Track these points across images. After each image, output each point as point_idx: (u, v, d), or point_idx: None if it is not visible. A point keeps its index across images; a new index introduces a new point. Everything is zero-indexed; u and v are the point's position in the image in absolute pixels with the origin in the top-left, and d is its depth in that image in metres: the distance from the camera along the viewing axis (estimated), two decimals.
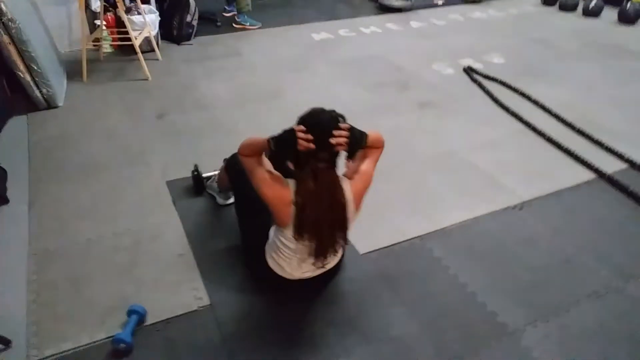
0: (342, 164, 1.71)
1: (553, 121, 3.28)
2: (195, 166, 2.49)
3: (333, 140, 1.56)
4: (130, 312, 1.77)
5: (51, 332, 1.76)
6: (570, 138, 3.06)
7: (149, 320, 1.81)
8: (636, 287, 2.03)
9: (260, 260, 1.86)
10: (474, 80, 3.85)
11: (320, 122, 1.60)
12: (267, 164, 1.72)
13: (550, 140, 3.02)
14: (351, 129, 1.60)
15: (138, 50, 3.62)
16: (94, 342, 1.73)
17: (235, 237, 2.17)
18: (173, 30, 4.40)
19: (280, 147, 1.60)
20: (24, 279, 1.96)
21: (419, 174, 2.73)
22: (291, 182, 1.66)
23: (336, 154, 1.64)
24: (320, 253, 1.68)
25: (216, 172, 2.48)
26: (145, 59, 3.67)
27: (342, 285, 2.00)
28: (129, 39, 3.65)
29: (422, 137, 3.08)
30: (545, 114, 3.36)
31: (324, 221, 1.62)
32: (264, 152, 1.71)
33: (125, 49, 4.05)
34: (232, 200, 2.41)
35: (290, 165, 1.67)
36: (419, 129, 3.18)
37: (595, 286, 2.03)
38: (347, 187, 1.68)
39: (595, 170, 2.74)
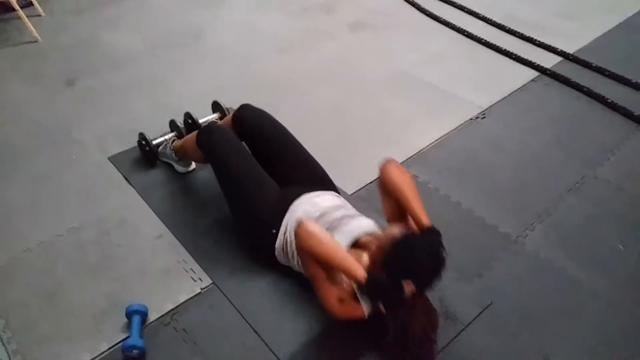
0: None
1: (483, 24, 3.30)
2: (141, 135, 2.18)
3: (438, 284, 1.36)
4: (130, 314, 1.57)
5: (42, 358, 1.51)
6: (504, 39, 3.11)
7: (152, 316, 1.62)
8: (604, 171, 2.18)
9: (266, 249, 1.69)
10: None
11: (431, 271, 1.35)
12: (339, 281, 1.44)
13: (488, 44, 3.05)
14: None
15: (16, 6, 3.02)
16: (99, 355, 1.51)
17: (212, 206, 1.99)
18: None
19: (378, 295, 1.36)
20: None
21: (377, 100, 2.65)
22: (366, 304, 1.42)
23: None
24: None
25: (166, 137, 2.21)
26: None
27: None
28: None
29: (366, 61, 2.96)
30: (474, 18, 3.37)
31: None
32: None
33: None
34: (193, 166, 2.17)
35: (382, 308, 1.40)
36: (360, 52, 3.05)
37: (571, 178, 2.14)
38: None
39: (537, 67, 2.83)
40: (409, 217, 1.54)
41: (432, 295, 1.66)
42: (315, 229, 1.41)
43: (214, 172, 1.82)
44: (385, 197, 1.61)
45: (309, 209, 1.63)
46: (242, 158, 1.76)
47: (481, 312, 1.63)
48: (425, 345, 1.45)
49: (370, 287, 1.34)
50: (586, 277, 1.75)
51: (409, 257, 1.33)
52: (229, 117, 1.98)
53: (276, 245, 1.66)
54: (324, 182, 1.80)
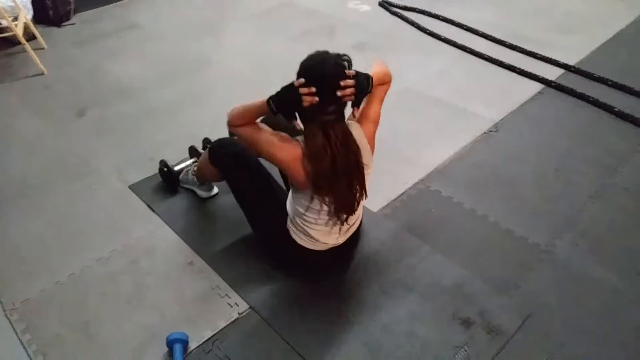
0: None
1: (483, 41, 3.38)
2: (163, 162, 2.17)
3: (339, 93, 1.43)
4: (171, 342, 1.53)
5: None
6: (506, 54, 3.18)
7: (193, 345, 1.59)
8: (622, 178, 2.22)
9: (286, 241, 1.71)
10: (394, 13, 3.81)
11: (325, 73, 1.45)
12: (267, 127, 1.58)
13: (491, 60, 3.12)
14: (357, 76, 1.48)
15: (23, 40, 3.02)
16: None
17: (238, 228, 1.98)
18: (48, 10, 3.72)
19: (283, 107, 1.48)
20: (15, 342, 1.60)
21: (389, 119, 2.65)
22: (300, 139, 1.53)
23: (344, 104, 1.51)
24: (341, 208, 1.57)
25: (187, 163, 2.21)
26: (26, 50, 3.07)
27: (371, 247, 1.91)
28: (3, 30, 3.03)
29: None
30: (474, 36, 3.45)
31: (341, 173, 1.50)
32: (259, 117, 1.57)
33: None
34: (215, 191, 2.17)
35: (298, 125, 1.51)
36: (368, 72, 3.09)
37: (591, 187, 2.18)
38: (358, 132, 1.58)
39: (541, 80, 2.89)
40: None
41: (472, 310, 1.68)
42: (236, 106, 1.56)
43: (229, 187, 1.84)
44: None
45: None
46: (257, 170, 1.78)
47: (523, 323, 1.64)
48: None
49: (272, 99, 1.48)
50: (621, 283, 1.77)
51: (311, 58, 1.48)
52: None
53: (287, 225, 1.71)
54: None
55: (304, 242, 1.70)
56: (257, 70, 3.13)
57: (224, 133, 2.34)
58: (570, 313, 1.68)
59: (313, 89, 1.42)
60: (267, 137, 1.54)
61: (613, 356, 1.56)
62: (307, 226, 1.64)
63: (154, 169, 2.23)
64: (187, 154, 2.27)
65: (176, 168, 2.18)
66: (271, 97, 1.48)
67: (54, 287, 1.77)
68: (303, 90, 1.42)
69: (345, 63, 1.47)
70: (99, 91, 2.94)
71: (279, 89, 1.48)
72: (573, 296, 1.74)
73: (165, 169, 2.16)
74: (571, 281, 1.78)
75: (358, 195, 1.58)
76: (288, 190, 1.76)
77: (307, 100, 1.42)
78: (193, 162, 2.20)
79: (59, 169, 2.33)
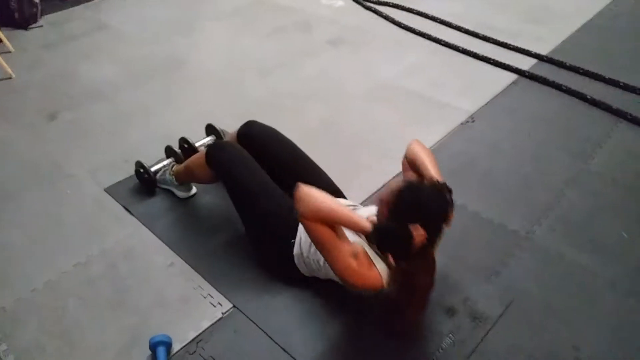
0: None
1: (457, 33, 3.41)
2: (139, 163, 2.13)
3: (447, 227, 1.37)
4: (154, 345, 1.51)
5: None
6: (480, 46, 3.22)
7: (177, 346, 1.56)
8: (596, 164, 2.27)
9: (285, 261, 1.67)
10: (368, 8, 3.81)
11: (439, 215, 1.36)
12: (345, 237, 1.42)
13: (465, 51, 3.14)
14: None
15: None
16: None
17: (218, 228, 1.97)
18: (13, 13, 3.61)
19: (387, 243, 1.38)
20: None
21: (366, 113, 2.68)
22: (382, 266, 1.43)
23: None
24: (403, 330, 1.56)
25: (164, 163, 2.17)
26: None
27: None
28: None
29: (349, 76, 3.00)
30: (448, 28, 3.47)
31: (420, 306, 1.51)
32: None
33: None
34: (194, 191, 2.14)
35: (391, 260, 1.40)
36: (342, 67, 3.10)
37: (567, 174, 2.22)
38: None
39: (515, 70, 2.93)
40: None
41: (455, 298, 1.69)
42: (313, 189, 1.39)
43: (226, 190, 1.80)
44: (406, 172, 1.65)
45: None
46: (255, 173, 1.75)
47: (505, 310, 1.66)
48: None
49: (378, 234, 1.35)
50: (600, 266, 1.80)
51: (414, 197, 1.34)
52: (232, 134, 1.96)
53: (294, 253, 1.64)
54: (335, 192, 1.81)
55: (307, 273, 1.67)
56: (231, 69, 3.10)
57: (200, 133, 2.34)
58: (551, 297, 1.71)
59: (425, 234, 1.31)
60: (344, 256, 1.36)
61: (593, 337, 1.58)
62: (321, 273, 1.61)
63: (130, 171, 2.19)
64: (163, 155, 2.23)
65: (153, 169, 2.14)
66: (376, 227, 1.35)
67: (30, 295, 1.72)
68: (419, 235, 1.30)
69: (449, 195, 1.38)
70: (70, 94, 2.87)
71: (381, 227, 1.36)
72: (553, 281, 1.76)
73: (142, 170, 2.12)
74: (550, 266, 1.81)
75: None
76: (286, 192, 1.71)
77: (419, 242, 1.32)
78: (170, 162, 2.16)
79: (31, 174, 2.26)
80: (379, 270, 1.41)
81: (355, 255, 1.38)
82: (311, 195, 1.38)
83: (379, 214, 1.43)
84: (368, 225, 1.34)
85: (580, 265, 1.81)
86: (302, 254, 1.62)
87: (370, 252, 1.44)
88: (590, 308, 1.67)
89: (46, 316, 1.66)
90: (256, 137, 1.87)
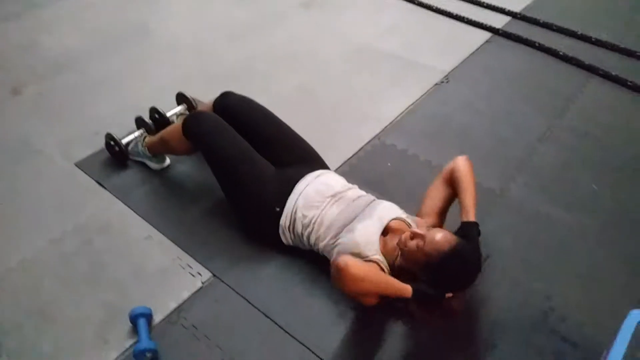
0: None
1: None
2: (109, 135, 2.08)
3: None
4: (135, 317, 1.50)
5: None
6: (454, 5, 3.17)
7: (158, 317, 1.56)
8: (568, 119, 2.29)
9: (270, 231, 1.68)
10: None
11: (470, 279, 1.52)
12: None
13: (439, 11, 3.11)
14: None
15: None
16: None
17: (194, 199, 1.95)
18: None
19: (422, 300, 1.52)
20: None
21: (341, 77, 2.65)
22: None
23: None
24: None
25: (135, 135, 2.12)
26: None
27: None
28: None
29: (322, 39, 2.95)
30: None
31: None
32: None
33: None
34: (167, 162, 2.10)
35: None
36: (315, 31, 3.03)
37: (540, 129, 2.24)
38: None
39: (489, 29, 2.91)
40: (442, 216, 1.66)
41: None
42: (360, 269, 1.38)
43: (206, 160, 1.77)
44: (443, 186, 1.67)
45: (322, 188, 1.64)
46: (234, 140, 1.72)
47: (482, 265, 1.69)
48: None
49: (417, 299, 1.48)
50: (571, 219, 1.84)
51: (459, 273, 1.47)
52: (208, 104, 1.92)
53: (280, 223, 1.64)
54: (318, 161, 1.80)
55: (289, 243, 1.69)
56: (200, 35, 3.00)
57: (171, 102, 2.28)
58: (526, 252, 1.75)
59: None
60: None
61: (565, 288, 1.63)
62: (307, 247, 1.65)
63: (101, 143, 2.13)
64: (133, 126, 2.18)
65: (124, 141, 2.09)
66: (415, 293, 1.46)
67: (4, 274, 1.68)
68: (450, 297, 1.51)
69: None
70: (35, 66, 2.75)
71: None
72: (528, 236, 1.80)
73: (112, 143, 2.07)
74: (525, 222, 1.85)
75: None
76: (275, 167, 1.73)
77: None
78: (142, 134, 2.11)
79: None
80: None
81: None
82: (356, 279, 1.37)
83: (410, 257, 1.48)
84: (409, 294, 1.45)
85: (554, 219, 1.85)
86: (291, 226, 1.63)
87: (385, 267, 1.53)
88: (563, 260, 1.72)
89: (22, 295, 1.63)
90: (232, 108, 1.84)
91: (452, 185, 1.64)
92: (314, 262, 1.67)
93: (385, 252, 1.52)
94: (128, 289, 1.65)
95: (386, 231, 1.57)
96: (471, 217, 1.55)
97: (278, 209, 1.63)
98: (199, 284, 1.65)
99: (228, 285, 1.65)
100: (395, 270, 1.53)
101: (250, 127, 1.80)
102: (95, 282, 1.67)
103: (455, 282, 1.49)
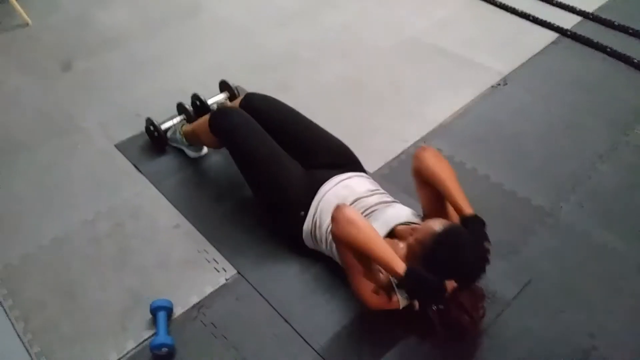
0: None
1: None
2: (149, 120, 2.07)
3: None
4: (155, 310, 1.49)
5: (69, 359, 1.44)
6: (518, 0, 2.96)
7: (178, 311, 1.54)
8: (636, 137, 2.08)
9: (293, 233, 1.62)
10: None
11: (477, 272, 1.29)
12: (376, 272, 1.38)
13: (501, 6, 2.90)
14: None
15: None
16: (127, 354, 1.45)
17: (228, 191, 1.92)
18: None
19: (417, 293, 1.31)
20: None
21: (390, 70, 2.53)
22: (403, 296, 1.37)
23: None
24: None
25: (175, 121, 2.10)
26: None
27: None
28: None
29: (373, 30, 2.82)
30: None
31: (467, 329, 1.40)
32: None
33: None
34: (205, 151, 2.07)
35: (416, 305, 1.37)
36: (366, 20, 2.91)
37: (602, 145, 2.05)
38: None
39: (556, 29, 2.69)
40: (449, 207, 1.44)
41: None
42: (354, 215, 1.32)
43: (231, 157, 1.72)
44: (421, 186, 1.51)
45: (343, 192, 1.54)
46: (261, 139, 1.65)
47: (521, 290, 1.56)
48: (470, 327, 1.38)
49: (410, 284, 1.28)
50: (627, 248, 1.68)
51: (453, 255, 1.26)
52: (236, 103, 1.86)
53: (304, 228, 1.58)
54: (350, 163, 1.71)
55: (311, 247, 1.62)
56: (247, 17, 2.95)
57: (214, 88, 2.24)
58: (571, 280, 1.60)
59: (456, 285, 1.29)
60: (365, 290, 1.35)
61: (613, 326, 1.49)
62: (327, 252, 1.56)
63: (141, 126, 2.12)
64: (174, 110, 2.16)
65: (163, 127, 2.08)
66: (409, 275, 1.25)
67: (37, 251, 1.72)
68: (451, 288, 1.28)
69: (488, 244, 1.32)
70: (85, 41, 2.79)
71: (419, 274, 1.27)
72: (575, 262, 1.65)
73: (152, 128, 2.06)
74: (574, 246, 1.70)
75: None
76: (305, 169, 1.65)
77: (449, 293, 1.29)
78: (181, 120, 2.09)
79: (42, 125, 2.24)
80: (399, 299, 1.36)
81: (377, 292, 1.34)
82: (349, 222, 1.30)
83: (410, 252, 1.34)
84: (401, 271, 1.25)
85: (607, 246, 1.69)
86: (313, 231, 1.56)
87: (394, 282, 1.36)
88: (613, 294, 1.57)
89: (51, 273, 1.66)
90: (258, 109, 1.76)
91: (429, 184, 1.46)
92: (338, 269, 1.60)
93: None
94: (153, 277, 1.64)
95: (393, 236, 1.45)
96: (465, 210, 1.36)
97: (302, 213, 1.57)
98: (223, 280, 1.62)
99: (251, 284, 1.61)
100: None
101: (277, 127, 1.72)
102: (122, 266, 1.67)
103: (450, 266, 1.26)
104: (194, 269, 1.66)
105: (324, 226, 1.51)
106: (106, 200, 1.89)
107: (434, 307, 1.31)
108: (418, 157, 1.48)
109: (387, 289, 1.37)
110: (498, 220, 1.77)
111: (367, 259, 1.34)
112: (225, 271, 1.65)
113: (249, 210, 1.81)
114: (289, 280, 1.62)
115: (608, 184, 1.89)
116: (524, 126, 2.16)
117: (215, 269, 1.66)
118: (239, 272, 1.64)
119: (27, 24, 2.94)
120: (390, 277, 1.35)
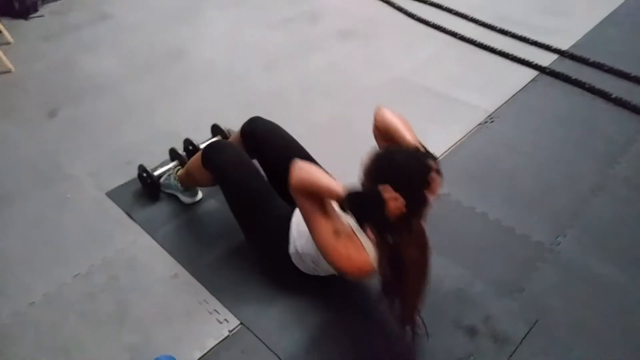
0: None
1: (473, 26, 3.26)
2: (141, 167, 2.03)
3: (432, 197, 1.21)
4: None
5: None
6: (497, 40, 3.07)
7: None
8: (624, 169, 2.14)
9: (285, 261, 1.59)
10: None
11: (413, 176, 1.21)
12: (335, 216, 1.36)
13: (482, 46, 3.00)
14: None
15: None
16: None
17: (225, 237, 1.87)
18: (13, 2, 3.49)
19: (360, 210, 1.29)
20: None
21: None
22: (369, 245, 1.35)
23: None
24: (409, 317, 1.40)
25: (168, 167, 2.07)
26: None
27: None
28: None
29: (360, 70, 2.88)
30: (463, 20, 3.32)
31: (416, 286, 1.36)
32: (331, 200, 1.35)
33: None
34: (200, 196, 2.04)
35: (370, 234, 1.35)
36: (352, 61, 2.97)
37: (592, 178, 2.10)
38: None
39: (535, 67, 2.79)
40: None
41: (476, 316, 1.59)
42: (304, 163, 1.37)
43: (222, 193, 1.70)
44: (380, 142, 1.52)
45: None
46: (251, 176, 1.66)
47: (530, 330, 1.56)
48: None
49: (350, 200, 1.26)
50: (630, 281, 1.70)
51: (389, 158, 1.25)
52: (237, 132, 1.86)
53: (290, 252, 1.55)
54: None
55: (308, 271, 1.59)
56: (235, 61, 2.98)
57: (204, 132, 2.23)
58: (578, 315, 1.61)
59: (402, 200, 1.18)
60: (325, 232, 1.32)
61: (625, 358, 1.49)
62: (319, 268, 1.52)
63: (133, 173, 2.08)
64: (167, 156, 2.13)
65: (156, 173, 2.04)
66: (350, 192, 1.25)
67: (27, 308, 1.64)
68: (391, 200, 1.18)
69: (433, 161, 1.23)
70: (72, 88, 2.76)
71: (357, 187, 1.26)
72: (580, 297, 1.66)
73: (144, 175, 2.02)
74: (577, 281, 1.71)
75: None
76: (282, 197, 1.63)
77: (393, 211, 1.19)
78: (175, 166, 2.06)
79: (29, 175, 2.17)
80: (368, 251, 1.35)
81: (337, 232, 1.33)
82: (301, 167, 1.36)
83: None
84: (341, 192, 1.26)
85: (610, 279, 1.70)
86: (297, 251, 1.54)
87: (359, 233, 1.37)
88: (622, 326, 1.57)
89: (44, 331, 1.57)
90: (259, 134, 1.78)
91: (386, 135, 1.46)
92: (348, 309, 1.56)
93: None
94: (152, 331, 1.58)
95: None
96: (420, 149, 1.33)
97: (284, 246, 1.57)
98: (226, 333, 1.57)
99: (256, 335, 1.56)
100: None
101: (273, 154, 1.75)
102: (120, 322, 1.60)
103: (385, 171, 1.22)
104: (195, 321, 1.60)
105: (306, 243, 1.49)
106: (99, 251, 1.83)
107: (389, 240, 1.26)
108: (376, 114, 1.51)
109: (348, 235, 1.34)
110: (499, 257, 1.80)
111: (322, 205, 1.34)
112: (227, 322, 1.59)
113: (246, 254, 1.78)
114: (295, 328, 1.57)
115: (602, 217, 1.93)
116: (516, 162, 2.20)
117: (218, 320, 1.60)
118: (242, 323, 1.59)
119: (10, 71, 2.90)
120: (337, 207, 1.36)
